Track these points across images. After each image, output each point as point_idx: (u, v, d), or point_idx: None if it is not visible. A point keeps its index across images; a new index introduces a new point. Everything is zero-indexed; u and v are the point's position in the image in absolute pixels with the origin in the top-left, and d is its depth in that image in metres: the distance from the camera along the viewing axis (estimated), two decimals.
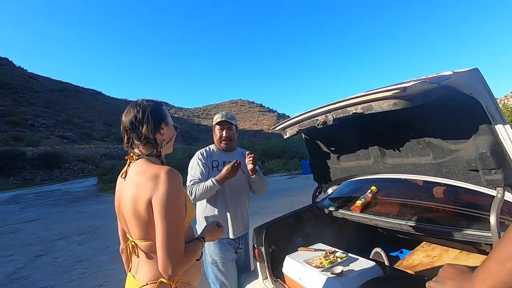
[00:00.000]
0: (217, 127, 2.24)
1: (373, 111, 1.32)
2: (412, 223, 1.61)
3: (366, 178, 2.16)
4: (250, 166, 2.13)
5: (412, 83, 1.12)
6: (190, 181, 2.08)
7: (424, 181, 1.92)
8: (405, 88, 1.13)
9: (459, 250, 1.71)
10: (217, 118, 2.24)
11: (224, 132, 2.20)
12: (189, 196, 2.01)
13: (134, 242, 1.11)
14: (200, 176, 2.08)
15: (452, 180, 1.47)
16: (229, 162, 2.13)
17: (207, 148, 2.32)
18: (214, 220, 1.35)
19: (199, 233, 2.12)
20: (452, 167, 1.44)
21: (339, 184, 2.57)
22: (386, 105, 1.25)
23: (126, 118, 1.15)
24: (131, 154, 1.17)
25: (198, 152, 2.26)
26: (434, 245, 1.84)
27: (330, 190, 2.66)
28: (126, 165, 1.17)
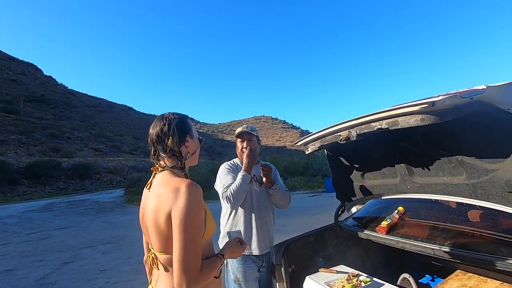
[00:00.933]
0: (238, 139, 2.22)
1: (399, 127, 1.27)
2: (446, 249, 1.48)
3: (392, 198, 2.05)
4: (264, 179, 2.12)
5: (442, 97, 1.07)
6: (223, 188, 2.03)
7: (457, 203, 1.78)
8: (433, 102, 1.08)
9: (500, 282, 1.54)
10: (237, 131, 2.23)
11: (245, 143, 2.18)
12: (228, 203, 1.99)
13: (154, 254, 1.11)
14: (232, 181, 2.04)
15: (489, 203, 1.35)
16: (254, 175, 2.15)
17: (231, 161, 2.31)
18: (237, 236, 1.31)
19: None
20: (489, 188, 1.33)
21: (363, 203, 2.45)
22: (413, 121, 1.19)
23: (153, 130, 1.18)
24: (157, 165, 1.20)
25: (223, 165, 2.25)
26: (471, 274, 1.67)
27: (354, 209, 2.55)
28: (152, 176, 1.20)
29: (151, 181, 1.18)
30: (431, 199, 1.76)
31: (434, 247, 1.52)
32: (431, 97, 1.11)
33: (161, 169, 1.17)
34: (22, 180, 26.06)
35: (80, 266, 5.44)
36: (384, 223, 1.85)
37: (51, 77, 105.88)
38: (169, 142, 1.15)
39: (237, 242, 1.28)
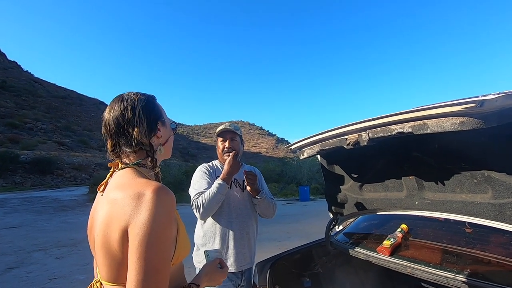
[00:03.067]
0: (220, 138, 1.97)
1: (428, 132, 1.05)
2: (463, 278, 1.27)
3: (389, 214, 1.85)
4: (248, 188, 1.87)
5: (492, 96, 0.86)
6: (195, 195, 1.78)
7: (472, 227, 1.59)
8: (482, 102, 0.86)
9: None
10: (219, 128, 1.98)
11: (227, 143, 1.93)
12: (197, 213, 1.73)
13: (100, 282, 0.79)
14: (207, 187, 1.79)
15: None
16: (235, 180, 1.92)
17: (210, 163, 2.04)
18: (217, 256, 1.01)
19: (194, 262, 1.70)
20: None
21: (355, 217, 2.24)
22: (448, 124, 0.98)
23: (109, 116, 0.85)
24: (117, 161, 0.88)
25: (200, 167, 1.99)
26: None
27: (343, 224, 2.33)
28: (108, 175, 0.87)
29: (107, 181, 0.85)
30: (437, 218, 1.56)
31: (448, 275, 1.30)
32: (477, 96, 0.90)
33: (123, 166, 0.85)
34: None
35: (27, 272, 4.77)
36: (387, 243, 1.62)
37: (16, 62, 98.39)
38: (135, 133, 0.84)
39: (217, 264, 0.98)
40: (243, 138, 2.07)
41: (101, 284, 0.79)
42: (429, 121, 1.03)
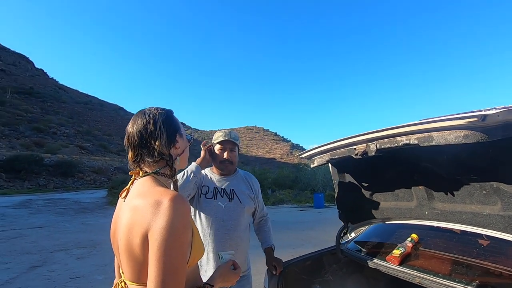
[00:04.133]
0: (219, 146, 1.89)
1: (433, 144, 1.08)
2: None
3: (401, 223, 1.86)
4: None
5: (494, 111, 0.89)
6: None
7: (489, 240, 1.57)
8: (484, 116, 0.89)
9: None
10: (218, 136, 1.90)
11: (225, 154, 1.87)
12: None
13: (124, 282, 0.87)
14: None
15: None
16: (222, 189, 1.85)
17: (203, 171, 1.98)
18: (230, 258, 1.07)
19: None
20: None
21: (366, 226, 2.24)
22: (453, 137, 1.01)
23: (133, 129, 0.94)
24: (137, 169, 0.97)
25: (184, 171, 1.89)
26: None
27: (355, 232, 2.34)
28: (130, 182, 0.96)
29: (129, 188, 0.94)
30: (450, 229, 1.55)
31: (458, 287, 1.31)
32: (480, 110, 0.93)
33: (143, 174, 0.93)
34: (0, 174, 24.90)
35: (49, 271, 5.00)
36: (397, 252, 1.63)
37: (42, 70, 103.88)
38: (156, 144, 0.92)
39: (230, 266, 1.04)
40: (239, 149, 2.02)
41: (125, 284, 0.87)
42: (434, 134, 1.06)
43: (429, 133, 1.08)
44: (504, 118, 0.91)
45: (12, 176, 25.79)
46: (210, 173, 1.94)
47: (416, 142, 1.13)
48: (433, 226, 1.62)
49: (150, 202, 0.80)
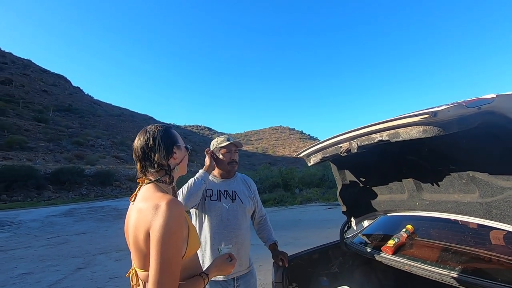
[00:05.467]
0: (224, 150, 1.99)
1: (401, 139, 1.17)
2: (454, 274, 1.32)
3: (403, 215, 1.91)
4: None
5: (445, 107, 0.97)
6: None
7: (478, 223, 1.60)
8: (435, 112, 0.98)
9: None
10: (222, 141, 2.01)
11: (233, 156, 2.01)
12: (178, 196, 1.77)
13: (135, 270, 1.07)
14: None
15: (505, 224, 1.20)
16: (225, 191, 2.00)
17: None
18: (229, 251, 1.23)
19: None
20: (505, 208, 1.18)
21: (373, 219, 2.31)
22: (414, 132, 1.10)
23: (137, 144, 1.14)
24: (143, 177, 1.17)
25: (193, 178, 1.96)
26: None
27: (363, 225, 2.40)
28: (137, 189, 1.17)
29: (136, 193, 1.13)
30: (444, 217, 1.59)
31: (442, 272, 1.36)
32: (434, 107, 1.02)
33: (148, 181, 1.13)
34: (48, 186, 27.21)
35: (92, 272, 5.51)
36: (391, 243, 1.70)
37: (79, 88, 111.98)
38: (156, 157, 1.10)
39: (227, 258, 1.20)
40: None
41: (135, 271, 1.08)
42: (400, 130, 1.15)
43: (396, 130, 1.17)
44: (456, 112, 0.98)
45: (58, 188, 28.11)
46: (212, 176, 2.06)
47: (387, 138, 1.23)
48: (426, 216, 1.66)
49: (151, 205, 0.99)
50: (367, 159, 1.82)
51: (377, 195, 1.89)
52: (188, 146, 1.27)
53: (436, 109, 0.98)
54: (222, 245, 1.32)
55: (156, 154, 1.10)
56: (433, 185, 1.49)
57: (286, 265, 1.90)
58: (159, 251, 0.91)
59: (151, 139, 1.12)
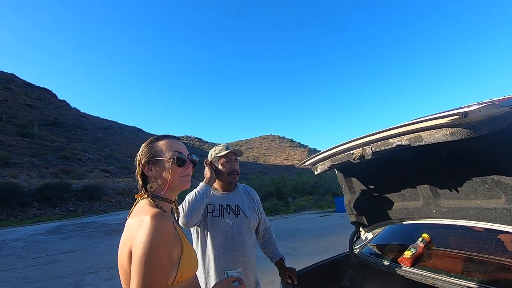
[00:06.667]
0: (223, 159, 1.86)
1: (423, 143, 1.09)
2: (485, 287, 1.24)
3: (414, 223, 1.83)
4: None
5: (476, 106, 0.90)
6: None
7: (499, 231, 1.52)
8: (466, 113, 0.90)
9: None
10: (220, 150, 1.88)
11: (233, 165, 1.87)
12: (181, 219, 1.61)
13: None
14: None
15: None
16: (227, 205, 1.86)
17: None
18: (239, 275, 1.08)
19: None
20: None
21: (381, 228, 2.21)
22: (440, 135, 1.02)
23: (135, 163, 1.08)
24: (140, 193, 1.06)
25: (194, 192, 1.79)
26: None
27: (370, 235, 2.31)
28: (133, 205, 1.04)
29: (132, 209, 1.02)
30: (464, 225, 1.51)
31: (472, 285, 1.28)
32: (463, 107, 0.94)
33: (144, 197, 1.02)
34: (33, 203, 26.17)
35: None
36: (408, 253, 1.61)
37: (65, 101, 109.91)
38: (136, 172, 1.05)
39: (231, 282, 1.03)
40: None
41: None
42: (422, 133, 1.08)
43: (418, 133, 1.10)
44: (487, 112, 0.91)
45: (43, 204, 27.08)
46: (213, 190, 1.90)
47: (407, 142, 1.15)
48: (443, 224, 1.58)
49: (137, 220, 0.89)
50: (376, 166, 1.74)
51: (389, 203, 1.80)
52: (193, 158, 1.11)
53: (466, 109, 0.91)
54: (231, 270, 1.16)
55: (139, 165, 1.05)
56: (451, 191, 1.41)
57: (295, 283, 1.78)
58: (137, 272, 0.79)
59: (140, 148, 1.08)
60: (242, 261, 1.76)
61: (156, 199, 1.00)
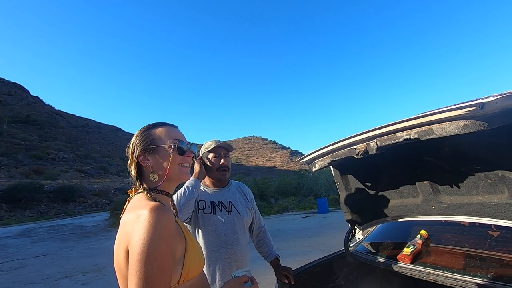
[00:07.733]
0: (212, 154, 1.80)
1: (433, 136, 1.07)
2: (487, 282, 1.23)
3: (408, 220, 1.83)
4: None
5: (492, 98, 0.88)
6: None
7: (497, 226, 1.55)
8: (482, 104, 0.89)
9: None
10: (209, 145, 1.81)
11: (222, 160, 1.79)
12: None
13: None
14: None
15: None
16: (219, 202, 1.79)
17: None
18: (246, 274, 0.98)
19: None
20: None
21: (374, 226, 2.21)
22: (453, 128, 1.00)
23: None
24: (134, 188, 0.96)
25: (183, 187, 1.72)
26: None
27: (363, 233, 2.30)
28: (127, 201, 0.95)
29: (126, 206, 0.93)
30: (466, 221, 1.52)
31: (476, 280, 1.27)
32: (478, 99, 0.93)
33: (138, 191, 0.93)
34: (1, 204, 24.65)
35: None
36: (407, 250, 1.60)
37: (38, 97, 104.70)
38: (131, 159, 0.96)
39: (241, 282, 0.95)
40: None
41: None
42: (434, 126, 1.06)
43: (428, 126, 1.08)
44: (503, 104, 0.90)
45: (12, 206, 25.55)
46: (204, 186, 1.85)
47: (416, 136, 1.13)
48: (441, 220, 1.59)
49: (133, 215, 0.80)
50: (375, 163, 1.72)
51: (386, 200, 1.79)
52: (193, 151, 1.01)
53: (482, 100, 0.89)
54: (238, 270, 1.07)
55: (133, 155, 0.96)
56: (452, 187, 1.41)
57: (292, 282, 1.72)
58: (137, 272, 0.70)
59: (131, 143, 0.98)
60: (236, 259, 1.69)
61: (153, 192, 0.92)
